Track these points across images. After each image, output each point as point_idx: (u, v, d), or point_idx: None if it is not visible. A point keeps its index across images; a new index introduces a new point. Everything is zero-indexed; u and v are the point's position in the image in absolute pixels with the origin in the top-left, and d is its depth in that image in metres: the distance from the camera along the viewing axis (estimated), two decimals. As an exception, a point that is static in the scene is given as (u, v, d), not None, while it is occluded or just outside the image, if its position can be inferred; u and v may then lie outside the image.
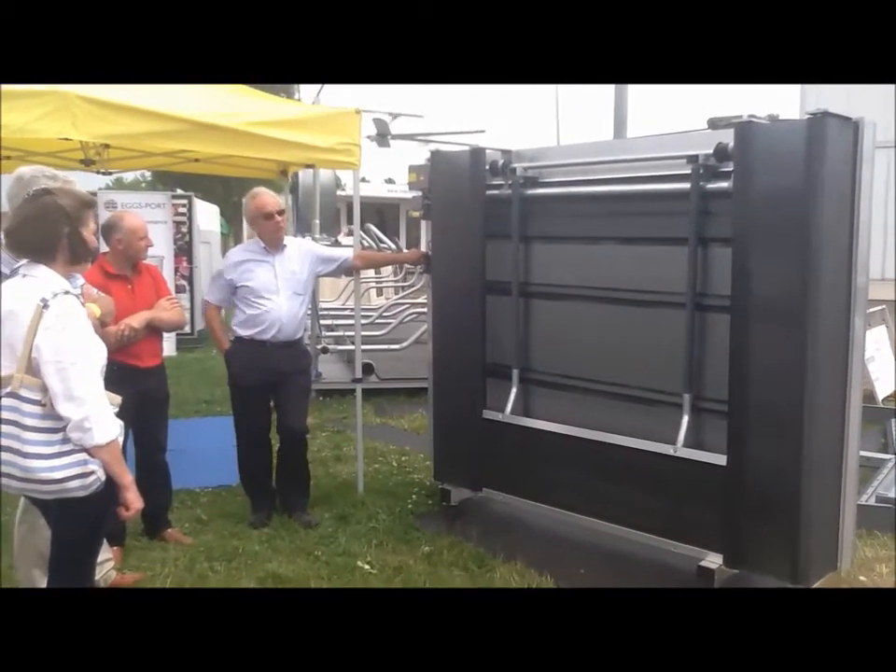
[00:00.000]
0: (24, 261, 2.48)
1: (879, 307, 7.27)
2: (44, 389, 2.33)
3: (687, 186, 3.41)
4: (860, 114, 3.17)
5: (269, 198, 4.33)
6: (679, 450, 3.50)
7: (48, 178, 3.10)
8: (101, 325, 3.34)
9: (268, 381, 4.27)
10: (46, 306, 2.33)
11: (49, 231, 2.46)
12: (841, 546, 3.33)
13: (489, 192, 4.21)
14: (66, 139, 3.70)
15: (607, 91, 8.51)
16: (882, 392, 6.82)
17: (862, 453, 4.08)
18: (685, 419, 3.50)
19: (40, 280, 2.41)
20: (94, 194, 8.34)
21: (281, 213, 4.32)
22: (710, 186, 3.38)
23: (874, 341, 6.74)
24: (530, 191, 4.08)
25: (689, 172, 3.39)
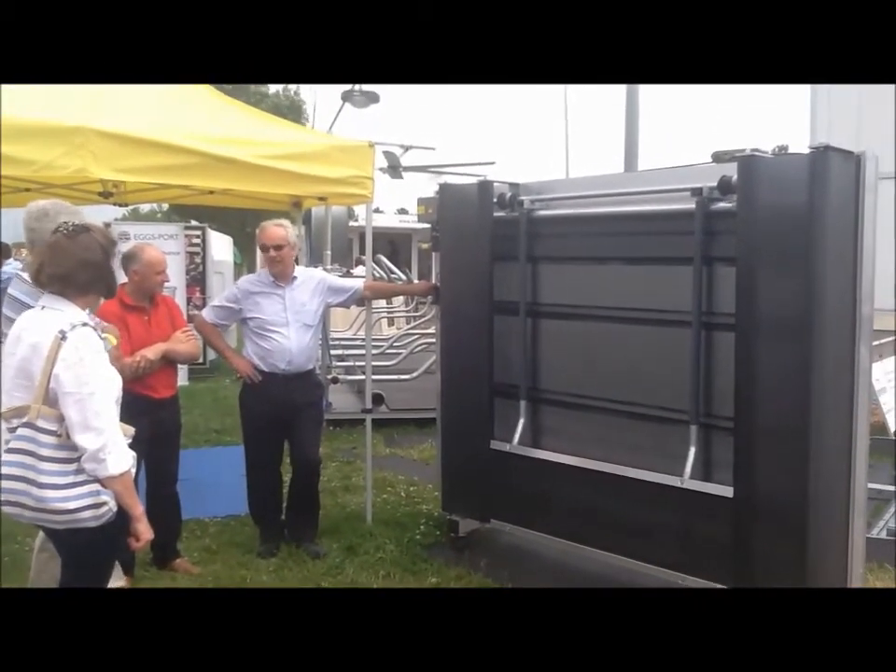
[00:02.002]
0: (45, 293, 2.54)
1: (892, 338, 7.23)
2: (60, 420, 2.37)
3: (692, 206, 3.45)
4: (868, 145, 3.22)
5: (270, 231, 4.31)
6: (686, 482, 3.49)
7: (70, 214, 3.17)
8: (120, 355, 3.40)
9: (280, 413, 4.29)
10: (64, 338, 2.38)
11: (96, 270, 2.54)
12: (850, 578, 3.30)
13: (496, 214, 4.26)
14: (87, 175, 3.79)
15: (617, 119, 8.60)
16: (895, 424, 6.75)
17: (874, 485, 4.08)
18: (692, 451, 3.50)
19: (59, 312, 2.47)
20: (108, 225, 8.47)
21: (278, 248, 4.27)
22: (715, 207, 3.42)
23: (886, 372, 6.70)
24: (537, 213, 4.14)
25: (693, 206, 3.44)
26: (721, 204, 3.41)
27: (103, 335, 3.22)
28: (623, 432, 3.84)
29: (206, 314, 4.50)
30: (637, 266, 3.79)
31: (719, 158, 3.60)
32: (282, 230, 4.34)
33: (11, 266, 9.03)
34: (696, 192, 3.42)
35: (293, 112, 22.16)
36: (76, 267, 2.50)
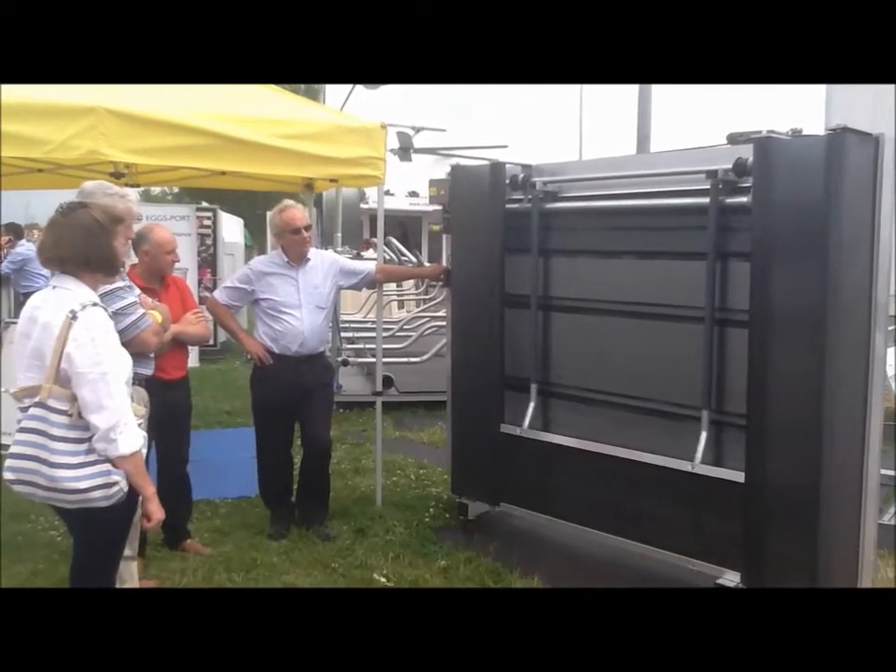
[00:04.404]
0: (55, 273, 2.54)
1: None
2: (71, 400, 2.38)
3: (706, 200, 3.41)
4: (886, 129, 3.17)
5: (298, 212, 4.34)
6: (697, 466, 3.48)
7: (109, 196, 3.18)
8: (163, 330, 3.43)
9: (291, 395, 4.29)
10: (74, 318, 2.38)
11: (93, 246, 2.51)
12: (861, 565, 3.29)
13: (509, 206, 4.23)
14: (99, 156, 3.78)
15: (630, 106, 8.53)
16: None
17: (886, 471, 4.04)
18: (703, 436, 3.48)
19: (70, 292, 2.47)
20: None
21: (308, 228, 4.35)
22: (730, 201, 3.38)
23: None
24: (550, 205, 4.10)
25: (708, 187, 3.40)
26: (736, 199, 3.36)
27: (148, 311, 3.26)
28: (632, 427, 3.82)
29: (218, 295, 4.50)
30: (651, 260, 3.75)
31: (734, 140, 3.55)
32: (304, 211, 4.41)
33: (25, 247, 9.10)
34: (711, 174, 3.38)
35: (309, 94, 22.09)
36: (72, 244, 2.48)
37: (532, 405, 4.19)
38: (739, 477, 3.32)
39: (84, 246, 2.50)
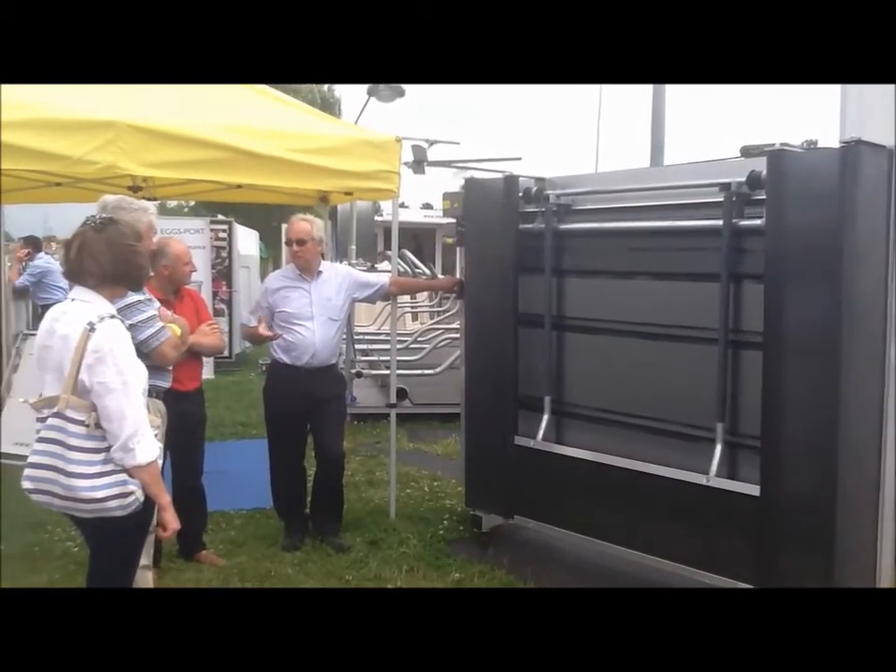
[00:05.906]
0: (74, 285, 2.58)
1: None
2: (88, 410, 2.40)
3: (720, 223, 3.40)
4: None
5: (295, 224, 4.38)
6: (712, 479, 3.46)
7: (134, 210, 3.24)
8: (182, 344, 3.46)
9: (303, 406, 4.31)
10: (92, 330, 2.41)
11: (124, 262, 2.55)
12: (878, 579, 3.26)
13: (522, 226, 4.23)
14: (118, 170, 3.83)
15: (644, 116, 8.53)
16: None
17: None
18: (718, 448, 3.46)
19: (88, 304, 2.50)
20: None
21: (301, 242, 4.32)
22: (743, 223, 3.37)
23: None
24: (563, 226, 4.10)
25: (721, 199, 3.40)
26: (749, 222, 3.35)
27: (168, 325, 3.30)
28: (645, 447, 3.79)
29: (246, 318, 4.64)
30: (664, 281, 3.74)
31: (748, 152, 3.55)
32: (306, 224, 4.37)
33: (43, 259, 9.21)
34: (725, 187, 3.38)
35: (325, 108, 22.25)
36: (103, 260, 2.52)
37: (546, 417, 4.19)
38: (754, 490, 3.30)
39: (118, 263, 2.54)
